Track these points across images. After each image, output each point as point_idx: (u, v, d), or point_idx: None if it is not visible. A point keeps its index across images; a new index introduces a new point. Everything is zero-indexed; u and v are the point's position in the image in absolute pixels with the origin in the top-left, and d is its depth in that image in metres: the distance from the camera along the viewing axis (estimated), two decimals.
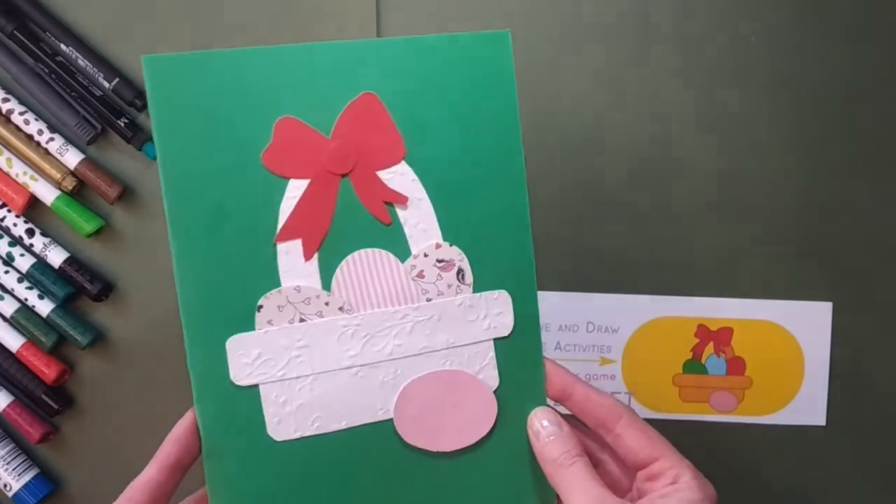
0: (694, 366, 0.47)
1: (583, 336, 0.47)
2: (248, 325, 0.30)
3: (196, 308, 0.30)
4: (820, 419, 0.46)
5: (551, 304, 0.46)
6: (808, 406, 0.46)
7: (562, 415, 0.33)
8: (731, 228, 0.46)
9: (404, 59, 0.32)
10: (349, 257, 0.31)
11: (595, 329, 0.47)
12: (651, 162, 0.45)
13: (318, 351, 0.31)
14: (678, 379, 0.47)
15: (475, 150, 0.32)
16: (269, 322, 0.31)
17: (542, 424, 0.32)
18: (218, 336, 0.30)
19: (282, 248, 0.31)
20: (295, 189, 0.31)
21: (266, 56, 0.30)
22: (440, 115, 0.32)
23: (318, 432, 0.31)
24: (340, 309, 0.31)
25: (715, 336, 0.46)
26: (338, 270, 0.31)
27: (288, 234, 0.31)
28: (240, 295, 0.30)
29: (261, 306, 0.31)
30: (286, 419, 0.31)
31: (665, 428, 0.46)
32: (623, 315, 0.46)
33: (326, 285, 0.31)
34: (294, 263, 0.31)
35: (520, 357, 0.33)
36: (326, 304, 0.31)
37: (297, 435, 0.31)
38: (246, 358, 0.30)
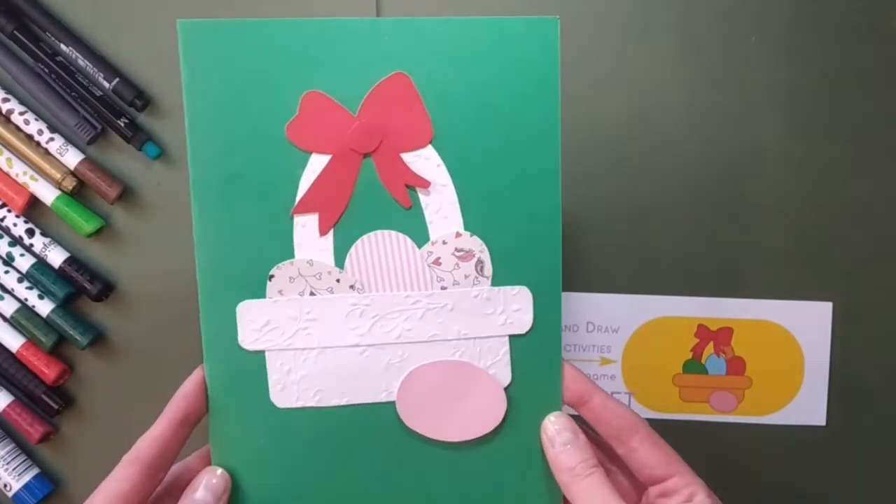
0: (694, 366, 0.47)
1: (583, 336, 0.47)
2: (260, 293, 0.31)
3: (211, 271, 0.31)
4: (820, 419, 0.46)
5: None
6: (808, 406, 0.46)
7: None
8: (731, 228, 0.46)
9: (443, 41, 0.31)
10: (364, 237, 0.31)
11: (595, 329, 0.47)
12: (651, 162, 0.45)
13: (326, 326, 0.31)
14: (678, 379, 0.47)
15: (510, 141, 0.31)
16: (280, 292, 0.31)
17: (557, 430, 0.31)
18: (230, 300, 0.31)
19: (298, 220, 0.31)
20: (316, 163, 0.31)
21: (300, 28, 0.30)
22: (475, 102, 0.31)
23: (318, 405, 0.31)
24: (352, 287, 0.31)
25: (715, 336, 0.46)
26: (352, 249, 0.31)
27: (305, 207, 0.31)
28: (253, 262, 0.31)
29: (272, 276, 0.31)
30: (289, 387, 0.31)
31: (665, 428, 0.46)
32: (623, 315, 0.46)
33: (340, 262, 0.31)
34: (309, 237, 0.31)
35: (536, 357, 0.32)
36: (338, 280, 0.31)
37: (298, 404, 0.31)
38: (254, 324, 0.31)
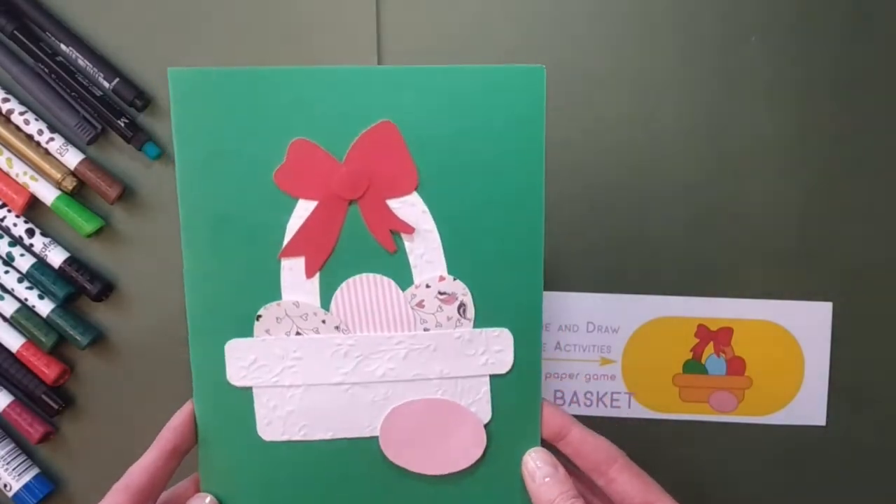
0: (694, 366, 0.47)
1: (583, 336, 0.47)
2: (248, 332, 0.32)
3: (200, 310, 0.32)
4: (820, 419, 0.46)
5: (551, 303, 0.46)
6: (808, 406, 0.46)
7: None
8: (731, 228, 0.46)
9: (430, 89, 0.31)
10: (350, 280, 0.32)
11: (595, 329, 0.47)
12: (650, 162, 0.45)
13: (311, 364, 0.32)
14: (678, 379, 0.47)
15: (494, 188, 0.32)
16: (268, 331, 0.32)
17: (538, 465, 0.33)
18: (219, 338, 0.32)
19: (286, 263, 0.32)
20: (303, 209, 0.31)
21: (288, 76, 0.31)
22: (461, 150, 0.32)
23: (304, 438, 0.32)
24: (337, 328, 0.32)
25: (715, 336, 0.46)
26: (338, 291, 0.32)
27: (292, 251, 0.31)
28: (242, 303, 0.32)
29: (260, 316, 0.32)
30: (275, 422, 0.32)
31: (665, 428, 0.47)
32: (623, 315, 0.46)
33: (325, 304, 0.32)
34: (296, 279, 0.32)
35: (516, 395, 0.33)
36: (323, 321, 0.32)
37: (284, 438, 0.32)
38: (242, 362, 0.32)
